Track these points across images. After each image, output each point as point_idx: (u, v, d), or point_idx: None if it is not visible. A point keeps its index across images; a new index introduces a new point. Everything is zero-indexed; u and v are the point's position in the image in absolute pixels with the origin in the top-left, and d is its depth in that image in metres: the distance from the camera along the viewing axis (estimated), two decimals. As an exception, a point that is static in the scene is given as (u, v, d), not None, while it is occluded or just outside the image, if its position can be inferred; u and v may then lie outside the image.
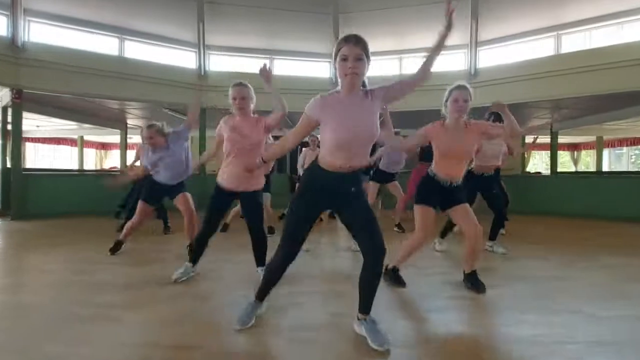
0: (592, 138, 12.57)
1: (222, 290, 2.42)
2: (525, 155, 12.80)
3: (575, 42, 6.69)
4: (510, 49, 7.17)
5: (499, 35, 6.95)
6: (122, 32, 6.76)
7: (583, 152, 15.33)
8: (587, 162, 16.18)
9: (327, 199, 1.67)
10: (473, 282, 2.39)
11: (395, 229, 4.65)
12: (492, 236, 3.48)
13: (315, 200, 1.67)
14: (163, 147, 3.02)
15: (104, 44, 6.73)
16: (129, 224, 3.28)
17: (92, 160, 15.36)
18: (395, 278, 2.47)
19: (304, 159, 5.23)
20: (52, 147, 13.87)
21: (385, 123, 2.27)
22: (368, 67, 1.64)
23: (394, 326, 1.79)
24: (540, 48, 6.87)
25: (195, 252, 2.53)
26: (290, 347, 1.63)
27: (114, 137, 13.33)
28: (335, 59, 1.60)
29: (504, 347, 1.63)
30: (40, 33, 6.05)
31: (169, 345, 1.62)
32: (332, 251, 3.70)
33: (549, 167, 9.92)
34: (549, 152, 12.94)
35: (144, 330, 1.79)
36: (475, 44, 6.62)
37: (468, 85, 2.37)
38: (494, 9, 6.52)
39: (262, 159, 1.90)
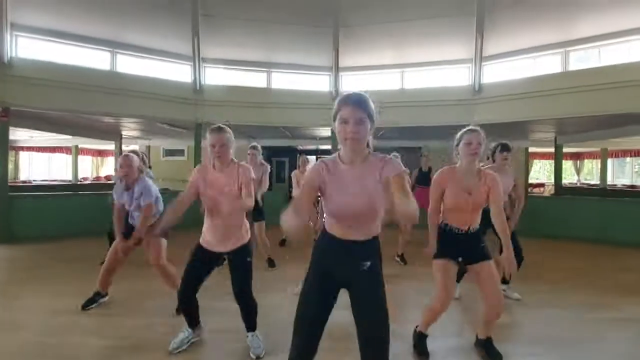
0: (596, 148, 12.37)
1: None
2: (527, 167, 12.61)
3: (583, 59, 6.48)
4: (515, 65, 6.96)
5: (504, 50, 6.74)
6: (114, 45, 6.53)
7: (586, 161, 15.14)
8: (590, 169, 16.01)
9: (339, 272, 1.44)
10: (488, 349, 2.16)
11: (397, 259, 4.43)
12: (506, 279, 3.24)
13: (327, 273, 1.44)
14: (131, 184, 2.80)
15: (95, 58, 6.50)
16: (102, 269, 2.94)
17: (88, 168, 15.13)
18: (420, 345, 2.22)
19: (296, 181, 5.02)
20: (47, 155, 13.64)
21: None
22: (373, 129, 1.42)
23: None
24: (547, 64, 6.66)
25: (187, 315, 2.24)
26: None
27: (110, 145, 13.15)
28: (334, 119, 1.38)
29: None
30: (28, 48, 5.82)
31: None
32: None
33: (553, 180, 9.72)
34: (550, 160, 12.83)
35: None
36: (480, 59, 6.41)
37: (480, 129, 2.14)
38: (499, 23, 6.31)
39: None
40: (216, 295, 2.62)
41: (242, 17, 6.60)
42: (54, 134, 9.59)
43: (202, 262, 2.16)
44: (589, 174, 16.18)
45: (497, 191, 2.03)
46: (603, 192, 9.47)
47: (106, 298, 3.00)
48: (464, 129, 2.15)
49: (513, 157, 3.92)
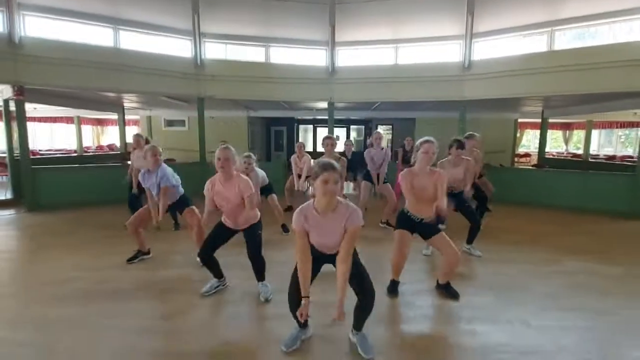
0: (583, 119, 12.83)
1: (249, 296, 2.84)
2: (516, 138, 13.12)
3: (568, 39, 6.75)
4: (505, 42, 7.21)
5: (493, 28, 6.96)
6: (116, 22, 6.67)
7: (575, 131, 15.60)
8: (579, 138, 16.51)
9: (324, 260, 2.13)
10: (447, 289, 2.85)
11: (382, 224, 5.05)
12: (469, 240, 3.90)
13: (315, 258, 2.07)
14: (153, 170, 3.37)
15: (98, 35, 6.66)
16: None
17: (89, 137, 15.39)
18: (392, 288, 2.94)
19: (294, 164, 5.62)
20: (48, 125, 13.86)
21: None
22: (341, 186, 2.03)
23: (374, 333, 2.23)
24: (535, 43, 6.93)
25: (209, 269, 2.89)
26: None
27: (109, 114, 13.34)
28: (314, 179, 1.90)
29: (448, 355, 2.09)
30: (34, 26, 5.98)
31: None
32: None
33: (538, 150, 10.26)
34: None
35: (185, 337, 2.22)
36: (470, 36, 6.66)
37: (434, 140, 2.68)
38: (489, 2, 6.50)
39: None
40: (242, 253, 3.23)
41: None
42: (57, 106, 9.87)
43: (220, 234, 2.79)
44: (579, 142, 16.69)
45: (442, 187, 2.66)
46: (581, 164, 10.03)
47: (149, 255, 3.65)
48: (422, 139, 2.71)
49: (478, 146, 4.50)
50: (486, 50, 7.16)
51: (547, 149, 16.84)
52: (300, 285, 1.95)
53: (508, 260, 3.79)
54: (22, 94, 5.74)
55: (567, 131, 15.50)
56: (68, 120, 13.73)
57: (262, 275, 2.85)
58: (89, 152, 13.16)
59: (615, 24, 6.31)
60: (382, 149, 4.97)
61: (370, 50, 7.99)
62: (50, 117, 13.09)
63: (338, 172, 1.87)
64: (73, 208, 6.11)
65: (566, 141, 15.68)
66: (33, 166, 6.13)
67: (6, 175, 7.18)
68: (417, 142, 2.74)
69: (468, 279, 3.28)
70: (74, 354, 2.10)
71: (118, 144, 14.87)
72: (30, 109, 10.78)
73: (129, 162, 5.15)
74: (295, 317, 2.09)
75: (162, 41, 7.33)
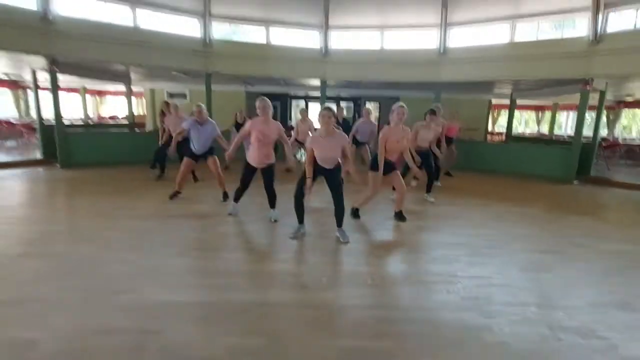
0: (550, 102, 14.12)
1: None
2: (492, 117, 14.39)
3: (528, 30, 7.87)
4: (475, 32, 8.26)
5: (465, 20, 8.00)
6: (134, 2, 7.44)
7: (547, 112, 16.95)
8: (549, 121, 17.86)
9: (321, 174, 3.35)
10: (399, 216, 4.10)
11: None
12: (428, 189, 5.16)
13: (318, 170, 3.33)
14: (202, 124, 4.46)
15: (117, 13, 7.45)
16: (178, 176, 4.69)
17: (89, 107, 15.97)
18: (355, 214, 4.17)
19: (297, 128, 6.71)
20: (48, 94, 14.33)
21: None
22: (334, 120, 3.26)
23: (351, 234, 3.48)
24: (500, 33, 8.02)
25: (236, 196, 4.10)
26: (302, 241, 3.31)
27: (109, 86, 13.95)
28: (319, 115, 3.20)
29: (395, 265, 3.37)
30: (63, 6, 6.71)
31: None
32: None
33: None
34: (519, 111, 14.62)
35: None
36: (445, 25, 7.72)
37: (404, 104, 3.81)
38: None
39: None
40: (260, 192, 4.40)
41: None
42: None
43: (249, 173, 3.93)
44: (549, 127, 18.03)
45: (408, 138, 3.85)
46: (544, 142, 11.40)
47: (182, 194, 4.84)
48: (396, 104, 3.82)
49: (447, 116, 5.69)
50: (460, 38, 8.21)
51: (522, 130, 18.29)
52: (302, 189, 3.30)
53: (453, 203, 5.08)
54: (55, 64, 6.59)
55: (539, 112, 16.85)
56: (69, 90, 14.30)
57: (273, 204, 4.03)
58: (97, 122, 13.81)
59: (567, 19, 7.45)
60: (370, 122, 6.16)
61: (360, 33, 8.95)
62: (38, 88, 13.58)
63: (332, 112, 3.17)
64: (100, 166, 7.13)
65: (538, 122, 17.07)
66: (66, 130, 7.07)
67: (34, 138, 8.07)
68: (393, 106, 3.82)
69: (420, 213, 4.56)
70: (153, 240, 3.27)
71: (119, 114, 15.63)
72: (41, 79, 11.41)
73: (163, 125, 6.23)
74: (298, 214, 3.49)
75: (174, 20, 8.11)
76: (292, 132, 6.92)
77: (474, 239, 3.63)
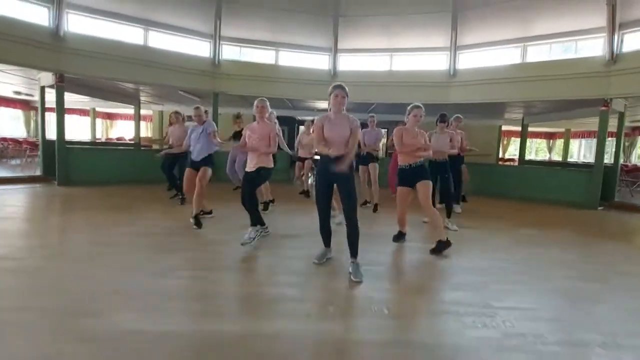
0: (561, 129, 13.85)
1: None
2: (501, 144, 14.15)
3: (539, 53, 7.75)
4: (485, 55, 8.19)
5: (475, 42, 7.94)
6: (146, 23, 7.56)
7: (558, 141, 16.65)
8: (561, 148, 17.53)
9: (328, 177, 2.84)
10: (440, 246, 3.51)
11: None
12: (447, 214, 4.62)
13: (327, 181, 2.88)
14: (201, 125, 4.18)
15: (131, 34, 7.55)
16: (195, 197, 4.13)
17: (98, 129, 16.13)
18: (398, 237, 3.78)
19: (300, 142, 6.41)
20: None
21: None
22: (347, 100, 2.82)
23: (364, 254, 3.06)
24: (510, 56, 7.92)
25: (251, 214, 3.55)
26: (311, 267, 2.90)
27: (119, 109, 14.14)
28: (329, 95, 2.79)
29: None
30: (76, 23, 6.82)
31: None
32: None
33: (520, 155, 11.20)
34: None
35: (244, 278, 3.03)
36: (454, 48, 7.64)
37: (421, 105, 3.51)
38: (471, 19, 7.50)
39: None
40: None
41: (258, 3, 7.64)
42: (74, 97, 10.66)
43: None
44: (559, 154, 17.68)
45: (425, 139, 3.54)
46: (557, 165, 11.00)
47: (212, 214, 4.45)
48: (412, 105, 3.52)
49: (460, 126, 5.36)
50: (469, 60, 8.12)
51: (532, 157, 17.93)
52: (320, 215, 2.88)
53: (472, 227, 4.64)
54: (63, 80, 6.56)
55: (550, 140, 16.55)
56: (81, 112, 14.53)
57: (254, 218, 3.47)
58: (102, 141, 13.87)
59: (577, 41, 7.33)
60: (376, 130, 5.74)
61: (368, 58, 8.93)
62: (65, 109, 13.83)
63: (345, 91, 2.76)
64: (100, 184, 6.89)
65: (549, 149, 16.73)
66: (67, 146, 6.92)
67: (36, 155, 7.95)
68: (408, 107, 3.51)
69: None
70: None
71: (127, 136, 15.71)
72: (49, 99, 11.59)
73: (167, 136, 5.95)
74: (324, 240, 3.00)
75: (184, 42, 8.21)
76: (295, 144, 6.59)
77: (500, 264, 3.19)
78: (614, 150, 8.23)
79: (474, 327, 2.02)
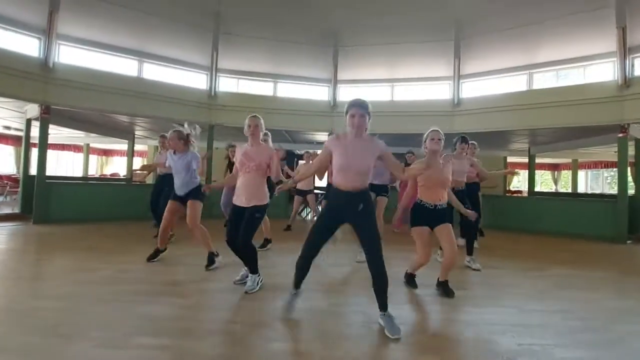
0: (568, 159, 13.51)
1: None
2: (507, 177, 13.80)
3: (544, 80, 7.57)
4: (489, 83, 8.02)
5: (479, 71, 7.80)
6: (141, 55, 7.42)
7: (563, 172, 16.30)
8: (567, 180, 17.14)
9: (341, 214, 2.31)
10: (444, 288, 2.99)
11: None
12: (469, 251, 4.03)
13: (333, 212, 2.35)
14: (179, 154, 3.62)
15: (125, 66, 7.38)
16: (160, 229, 3.73)
17: (93, 166, 15.78)
18: (410, 281, 3.19)
19: (298, 169, 5.95)
20: (55, 153, 14.27)
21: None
22: (370, 120, 2.29)
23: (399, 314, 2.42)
24: (515, 83, 7.74)
25: (241, 257, 2.99)
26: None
27: (116, 145, 13.86)
28: (346, 114, 2.28)
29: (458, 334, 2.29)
30: (68, 55, 6.65)
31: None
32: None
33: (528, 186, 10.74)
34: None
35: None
36: (458, 77, 7.45)
37: (439, 129, 3.00)
38: (474, 48, 7.40)
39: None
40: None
41: (256, 36, 7.58)
42: (67, 132, 10.38)
43: (236, 214, 2.92)
44: (568, 183, 17.29)
45: (449, 170, 2.95)
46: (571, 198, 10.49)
47: (166, 252, 3.84)
48: (431, 129, 3.01)
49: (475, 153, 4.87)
50: (474, 88, 7.93)
51: (538, 189, 17.48)
52: (308, 249, 2.30)
53: (497, 267, 4.01)
54: (48, 112, 6.22)
55: (556, 172, 16.20)
56: (75, 149, 14.24)
57: (252, 265, 2.91)
58: (94, 177, 13.44)
59: (585, 67, 7.16)
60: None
61: (369, 88, 8.77)
62: (59, 145, 13.56)
63: (363, 107, 2.23)
64: (79, 222, 6.28)
65: (555, 181, 16.32)
66: (47, 181, 6.42)
67: (16, 191, 7.41)
68: (426, 133, 2.96)
69: (462, 281, 3.49)
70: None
71: (122, 172, 15.32)
72: (35, 134, 11.31)
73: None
74: (297, 275, 2.42)
75: (180, 74, 8.05)
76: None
77: (551, 317, 2.55)
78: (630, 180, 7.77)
79: None
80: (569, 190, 15.18)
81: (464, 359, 1.97)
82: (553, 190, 16.19)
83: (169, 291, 2.86)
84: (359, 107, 2.22)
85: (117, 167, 16.48)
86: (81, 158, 13.90)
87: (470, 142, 4.73)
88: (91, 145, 13.80)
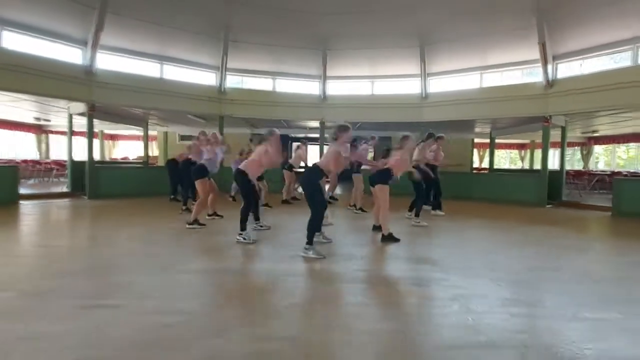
0: (527, 140, 15.52)
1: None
2: (479, 155, 15.75)
3: (492, 79, 9.31)
4: (451, 80, 9.71)
5: (441, 70, 9.47)
6: (162, 59, 8.84)
7: (528, 150, 18.29)
8: (537, 158, 19.18)
9: None
10: (390, 239, 4.70)
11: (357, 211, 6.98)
12: (417, 213, 5.89)
13: None
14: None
15: (149, 68, 8.81)
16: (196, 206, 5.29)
17: (105, 149, 17.04)
18: (390, 238, 4.34)
19: (298, 156, 7.65)
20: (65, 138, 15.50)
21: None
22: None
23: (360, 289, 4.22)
24: (470, 82, 9.47)
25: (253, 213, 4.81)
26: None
27: (121, 130, 15.13)
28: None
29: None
30: (104, 60, 8.03)
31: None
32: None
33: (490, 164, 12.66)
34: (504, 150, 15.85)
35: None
36: (424, 75, 9.14)
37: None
38: (436, 52, 9.07)
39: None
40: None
41: (259, 42, 9.04)
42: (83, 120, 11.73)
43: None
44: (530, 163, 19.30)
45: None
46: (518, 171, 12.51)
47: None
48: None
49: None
50: (439, 84, 9.62)
51: (507, 166, 19.53)
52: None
53: (440, 224, 5.88)
54: (94, 109, 7.70)
55: (522, 150, 18.20)
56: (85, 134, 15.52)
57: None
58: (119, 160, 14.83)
59: (522, 69, 8.92)
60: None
61: (353, 83, 10.38)
62: (74, 132, 14.80)
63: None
64: (124, 197, 7.93)
65: (522, 159, 18.35)
66: (96, 165, 8.01)
67: (63, 174, 8.95)
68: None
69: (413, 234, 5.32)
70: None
71: (130, 156, 16.68)
72: (61, 123, 12.60)
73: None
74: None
75: (193, 73, 9.49)
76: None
77: (473, 245, 4.38)
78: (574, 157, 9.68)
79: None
80: (538, 168, 17.22)
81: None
82: (520, 167, 18.23)
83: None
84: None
85: (124, 150, 17.82)
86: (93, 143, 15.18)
87: (439, 135, 6.37)
88: (107, 131, 15.09)
